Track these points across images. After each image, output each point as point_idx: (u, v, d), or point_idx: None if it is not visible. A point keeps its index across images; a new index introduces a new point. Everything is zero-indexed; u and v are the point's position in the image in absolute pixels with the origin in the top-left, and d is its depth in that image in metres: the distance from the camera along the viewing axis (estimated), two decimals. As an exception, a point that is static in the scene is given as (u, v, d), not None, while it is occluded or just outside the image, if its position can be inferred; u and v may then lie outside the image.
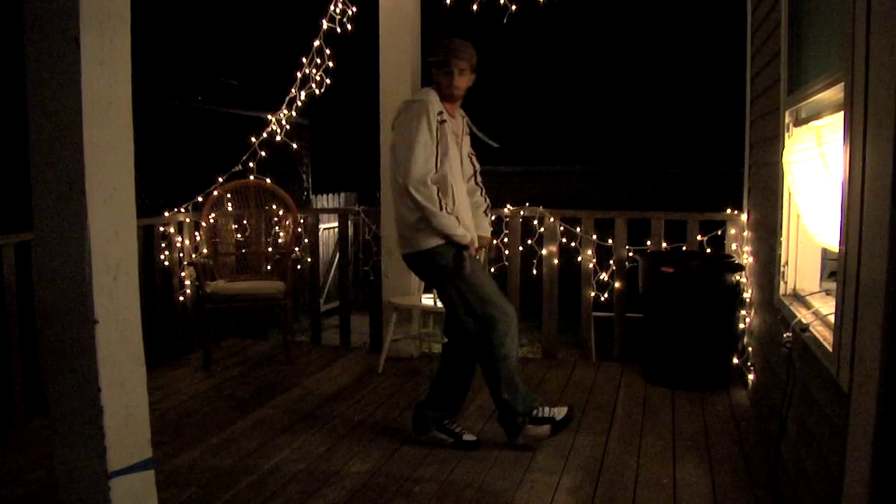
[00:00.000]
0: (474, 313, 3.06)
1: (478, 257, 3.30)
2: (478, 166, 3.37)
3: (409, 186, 2.96)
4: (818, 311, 2.37)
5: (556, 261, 4.57)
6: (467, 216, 3.16)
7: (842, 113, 1.90)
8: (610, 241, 4.55)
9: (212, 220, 4.65)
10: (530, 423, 3.11)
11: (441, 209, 2.99)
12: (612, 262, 4.55)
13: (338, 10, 4.62)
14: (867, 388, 1.59)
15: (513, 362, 3.09)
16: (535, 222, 4.62)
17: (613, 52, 17.11)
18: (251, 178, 4.83)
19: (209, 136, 8.50)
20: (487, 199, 3.40)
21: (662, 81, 17.13)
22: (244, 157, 4.88)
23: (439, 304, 4.20)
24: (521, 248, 4.66)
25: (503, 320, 3.04)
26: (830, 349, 1.95)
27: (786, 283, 2.92)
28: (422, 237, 3.06)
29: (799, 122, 2.75)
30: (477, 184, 3.37)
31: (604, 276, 4.58)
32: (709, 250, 4.43)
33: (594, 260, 4.57)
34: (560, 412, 3.13)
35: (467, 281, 3.06)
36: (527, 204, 4.68)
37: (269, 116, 4.96)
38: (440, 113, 3.04)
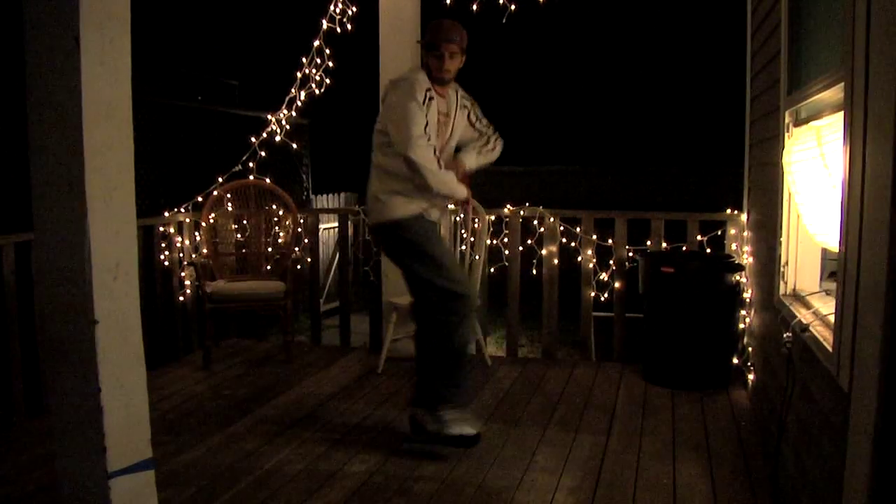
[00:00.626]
0: (434, 287, 3.03)
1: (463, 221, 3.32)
2: (484, 128, 3.33)
3: (409, 151, 2.94)
4: (818, 311, 2.37)
5: (556, 261, 4.57)
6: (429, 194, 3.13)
7: (842, 113, 1.90)
8: (610, 241, 4.55)
9: (212, 220, 4.65)
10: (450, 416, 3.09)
11: (439, 167, 3.00)
12: (612, 262, 4.55)
13: (338, 10, 4.62)
14: (867, 388, 1.59)
15: (461, 346, 3.06)
16: (535, 222, 4.62)
17: (613, 52, 17.12)
18: (251, 178, 4.83)
19: (209, 136, 8.50)
20: (491, 144, 3.34)
21: (662, 81, 17.13)
22: (244, 157, 4.88)
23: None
24: (521, 248, 4.67)
25: (462, 300, 3.02)
26: (830, 349, 1.95)
27: (786, 283, 2.92)
28: (389, 208, 3.08)
29: (799, 122, 2.75)
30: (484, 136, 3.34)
31: (604, 276, 4.58)
32: (709, 250, 4.43)
33: (594, 260, 4.57)
34: (467, 430, 3.09)
35: (431, 256, 3.05)
36: (527, 204, 4.68)
37: (269, 116, 4.95)
38: (428, 90, 3.03)
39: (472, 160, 3.28)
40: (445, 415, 3.07)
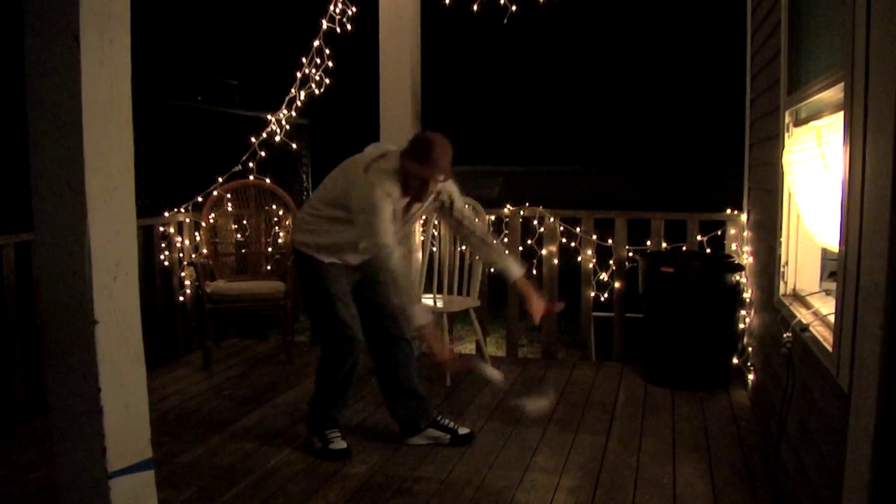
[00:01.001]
0: (324, 323, 3.10)
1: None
2: (464, 213, 3.17)
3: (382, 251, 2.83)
4: (818, 311, 2.37)
5: (556, 261, 4.57)
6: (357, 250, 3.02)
7: (842, 113, 1.90)
8: (610, 241, 4.55)
9: (212, 220, 4.65)
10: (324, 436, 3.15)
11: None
12: (612, 262, 4.55)
13: (338, 10, 4.62)
14: (867, 388, 1.59)
15: (347, 377, 3.11)
16: (535, 222, 4.62)
17: (614, 52, 17.12)
18: (251, 178, 4.83)
19: (209, 136, 8.49)
20: (488, 236, 3.21)
21: (663, 82, 17.13)
22: (244, 157, 4.88)
23: (440, 304, 4.21)
24: (521, 248, 4.66)
25: (347, 343, 3.04)
26: (830, 349, 1.95)
27: (786, 283, 2.93)
28: (306, 243, 3.07)
29: (799, 122, 2.75)
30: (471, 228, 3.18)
31: (604, 276, 4.58)
32: (709, 250, 4.43)
33: (594, 260, 4.57)
34: (343, 444, 3.12)
35: (325, 293, 3.04)
36: (527, 204, 4.68)
37: (269, 116, 4.95)
38: (390, 194, 2.86)
39: (516, 267, 3.10)
40: (331, 433, 3.14)
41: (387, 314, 3.16)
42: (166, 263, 4.65)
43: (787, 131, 2.86)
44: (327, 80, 4.77)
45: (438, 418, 3.26)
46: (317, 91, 4.80)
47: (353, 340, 3.05)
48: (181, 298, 4.77)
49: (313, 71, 4.74)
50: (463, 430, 3.25)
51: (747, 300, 4.09)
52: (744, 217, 4.33)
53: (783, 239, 2.95)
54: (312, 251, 3.07)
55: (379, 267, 2.89)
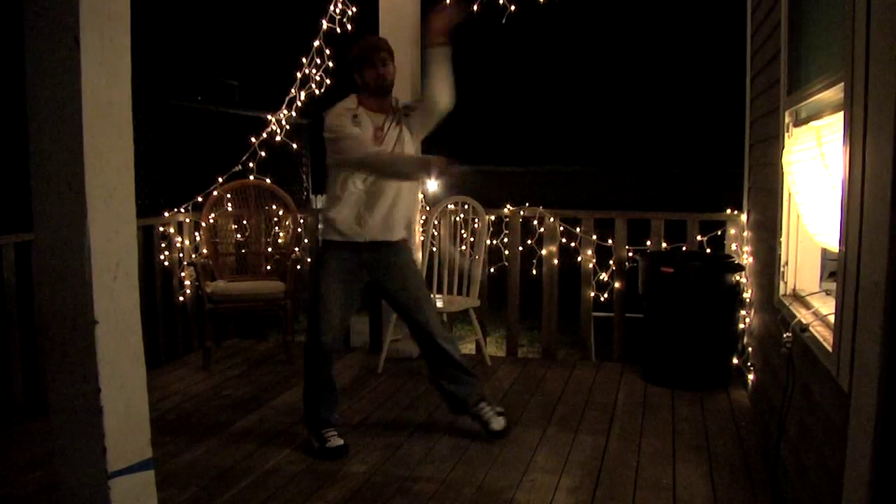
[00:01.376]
0: (309, 317, 3.17)
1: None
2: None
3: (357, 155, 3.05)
4: (818, 311, 2.37)
5: (556, 261, 4.57)
6: (353, 211, 3.12)
7: (842, 113, 1.90)
8: (610, 241, 4.55)
9: (212, 220, 4.65)
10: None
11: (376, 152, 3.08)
12: (612, 262, 4.55)
13: (338, 10, 4.62)
14: (867, 388, 1.59)
15: (328, 378, 3.17)
16: (535, 222, 4.62)
17: (614, 53, 17.13)
18: (251, 178, 4.83)
19: (209, 136, 8.49)
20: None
21: (663, 82, 17.14)
22: (244, 158, 4.88)
23: (439, 303, 4.21)
24: (521, 248, 4.67)
25: (319, 346, 3.12)
26: (830, 349, 1.95)
27: (786, 283, 2.92)
28: (322, 228, 3.24)
29: (799, 122, 2.75)
30: None
31: (604, 276, 4.58)
32: (709, 250, 4.43)
33: (594, 260, 4.57)
34: (340, 442, 3.15)
35: (317, 288, 3.13)
36: (527, 204, 4.68)
37: (269, 116, 4.95)
38: (350, 111, 3.10)
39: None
40: (327, 433, 3.17)
41: (419, 310, 3.24)
42: (166, 263, 4.66)
43: (787, 131, 2.86)
44: (327, 81, 4.77)
45: (480, 406, 3.30)
46: (317, 91, 4.80)
47: (322, 348, 3.11)
48: (181, 298, 4.77)
49: (313, 71, 4.74)
50: (497, 426, 3.29)
51: (747, 300, 4.09)
52: (744, 217, 4.33)
53: (783, 239, 2.95)
54: (329, 232, 3.15)
55: (383, 170, 3.08)
